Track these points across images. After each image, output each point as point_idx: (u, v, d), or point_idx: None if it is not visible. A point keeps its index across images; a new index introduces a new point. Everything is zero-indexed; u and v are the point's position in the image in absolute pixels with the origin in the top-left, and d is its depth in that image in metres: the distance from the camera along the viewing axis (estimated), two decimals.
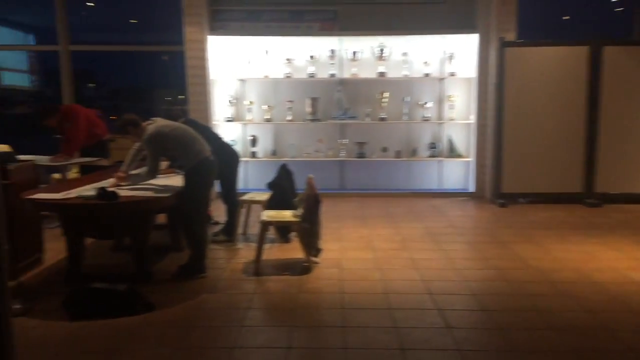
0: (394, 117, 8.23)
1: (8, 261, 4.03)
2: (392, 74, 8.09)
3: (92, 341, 3.35)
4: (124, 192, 4.23)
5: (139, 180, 4.52)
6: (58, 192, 4.23)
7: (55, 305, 3.81)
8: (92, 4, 10.73)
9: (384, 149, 8.33)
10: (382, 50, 8.00)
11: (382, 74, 8.07)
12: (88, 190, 4.27)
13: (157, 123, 4.52)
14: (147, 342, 3.33)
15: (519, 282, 4.36)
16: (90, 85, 14.05)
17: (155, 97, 12.93)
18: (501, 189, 7.61)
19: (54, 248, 5.08)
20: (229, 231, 5.72)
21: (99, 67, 13.48)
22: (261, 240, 4.71)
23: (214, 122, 8.07)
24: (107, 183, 4.53)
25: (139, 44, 9.20)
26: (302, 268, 4.75)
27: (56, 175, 6.74)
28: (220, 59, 8.16)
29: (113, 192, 4.01)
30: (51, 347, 3.28)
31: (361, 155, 8.27)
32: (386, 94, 8.08)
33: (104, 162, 6.64)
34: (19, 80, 13.20)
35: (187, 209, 4.43)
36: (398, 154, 8.30)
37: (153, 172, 4.43)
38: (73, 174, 6.91)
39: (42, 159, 6.33)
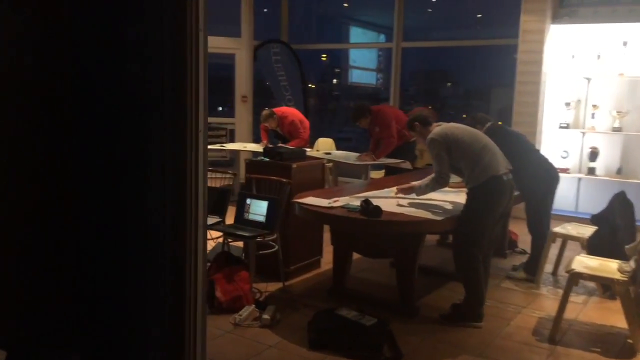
0: None
1: (282, 264, 4.01)
2: None
3: None
4: (392, 208, 3.60)
5: (424, 191, 3.76)
6: (329, 197, 3.87)
7: (303, 323, 3.44)
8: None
9: None
10: None
11: None
12: (356, 199, 3.79)
13: (444, 125, 3.73)
14: None
15: None
16: (448, 84, 13.90)
17: (505, 97, 11.98)
18: None
19: None
20: (532, 268, 4.54)
21: (453, 66, 13.13)
22: (566, 295, 3.46)
23: (543, 129, 6.76)
24: (389, 193, 3.96)
25: (478, 38, 8.49)
26: (624, 346, 3.32)
27: (375, 174, 6.55)
28: (560, 53, 6.76)
29: (376, 208, 3.40)
30: None
31: None
32: None
33: (408, 165, 6.17)
34: (367, 78, 14.04)
35: (462, 237, 3.53)
36: None
37: (440, 179, 3.62)
38: (377, 174, 6.66)
39: (350, 157, 6.22)
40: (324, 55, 12.60)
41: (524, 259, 4.80)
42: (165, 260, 2.10)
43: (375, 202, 3.70)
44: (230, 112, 9.20)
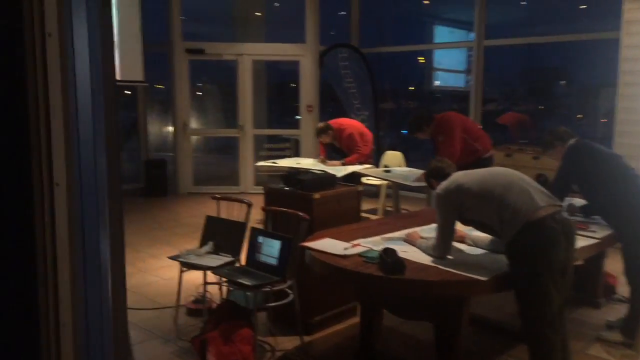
0: None
1: (299, 316, 3.29)
2: None
3: None
4: (423, 258, 2.75)
5: (424, 252, 2.92)
6: (352, 238, 3.09)
7: None
8: None
9: None
10: None
11: None
12: (385, 242, 2.99)
13: (452, 176, 2.86)
14: None
15: None
16: (561, 82, 12.46)
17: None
18: None
19: None
20: (631, 329, 3.45)
21: (566, 63, 11.68)
22: None
23: None
24: (431, 232, 3.12)
25: (583, 32, 7.29)
26: None
27: None
28: None
29: (397, 262, 2.58)
30: None
31: None
32: None
33: None
34: (454, 80, 12.91)
35: (523, 320, 2.62)
36: None
37: (437, 251, 2.80)
38: None
39: (411, 176, 5.36)
40: (421, 58, 11.74)
41: (624, 310, 3.72)
42: None
43: (404, 249, 2.89)
44: (295, 122, 8.63)
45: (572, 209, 3.74)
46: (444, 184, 2.80)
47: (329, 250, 2.88)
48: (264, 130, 8.75)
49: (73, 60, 1.47)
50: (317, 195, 3.49)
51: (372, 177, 5.51)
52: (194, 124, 8.73)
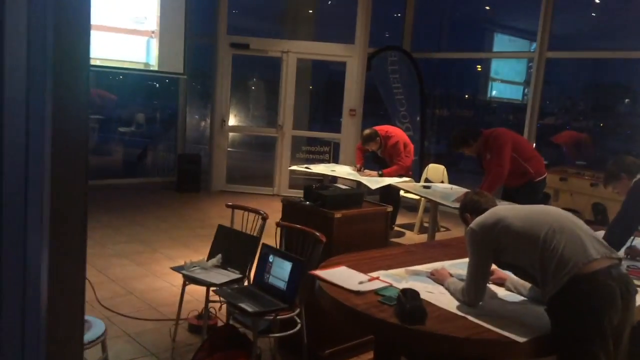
0: None
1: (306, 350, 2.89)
2: None
3: None
4: (449, 304, 2.31)
5: (452, 294, 2.46)
6: (373, 268, 2.68)
7: None
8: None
9: None
10: None
11: None
12: (402, 279, 2.57)
13: (492, 209, 2.40)
14: None
15: None
16: (626, 100, 11.67)
17: None
18: None
19: None
20: None
21: (635, 80, 10.91)
22: None
23: None
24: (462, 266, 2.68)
25: None
26: None
27: None
28: None
29: (415, 309, 2.15)
30: None
31: None
32: None
33: None
34: (511, 92, 12.21)
35: None
36: None
37: (466, 299, 2.33)
38: None
39: (452, 194, 4.87)
40: (479, 66, 11.17)
41: None
42: None
43: (430, 288, 2.46)
44: (336, 126, 8.24)
45: (633, 253, 3.21)
46: (480, 218, 2.35)
47: (340, 284, 2.48)
48: (303, 132, 8.40)
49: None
50: (338, 214, 3.09)
51: (409, 192, 5.07)
52: (232, 120, 8.46)
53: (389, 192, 5.88)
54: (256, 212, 3.46)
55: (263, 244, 3.19)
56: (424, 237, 5.93)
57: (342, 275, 2.59)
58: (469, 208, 2.53)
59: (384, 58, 7.86)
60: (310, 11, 9.22)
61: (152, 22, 7.23)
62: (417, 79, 7.85)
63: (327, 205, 3.14)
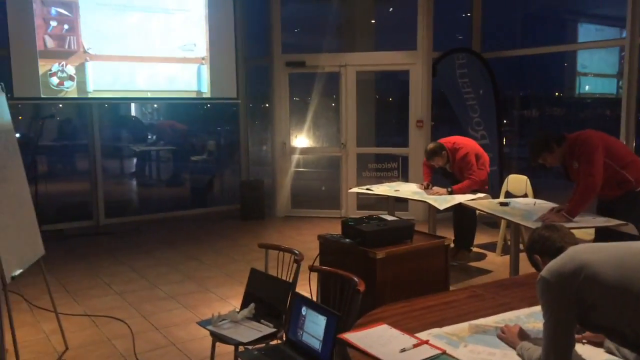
0: None
1: None
2: None
3: None
4: None
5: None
6: (417, 326, 2.11)
7: None
8: None
9: None
10: None
11: None
12: (462, 339, 1.97)
13: (571, 250, 1.75)
14: None
15: None
16: None
17: None
18: None
19: None
20: None
21: None
22: None
23: None
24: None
25: None
26: None
27: None
28: None
29: None
30: None
31: None
32: None
33: (633, 230, 3.86)
34: (604, 86, 11.01)
35: None
36: None
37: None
38: (585, 235, 4.41)
39: (535, 213, 4.13)
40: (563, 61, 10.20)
41: None
42: None
43: (493, 351, 1.86)
44: (404, 140, 7.62)
45: None
46: (555, 264, 1.72)
47: (375, 353, 1.92)
48: (367, 149, 7.84)
49: None
50: (381, 254, 2.54)
51: (484, 211, 4.38)
52: (294, 141, 8.08)
53: (463, 211, 5.21)
54: (290, 251, 2.97)
55: (295, 293, 2.69)
56: (507, 260, 5.18)
57: (381, 339, 2.03)
58: (538, 248, 1.90)
59: (451, 62, 7.18)
60: (373, 21, 8.71)
61: (201, 48, 7.03)
62: (489, 80, 7.11)
63: (367, 243, 2.60)
